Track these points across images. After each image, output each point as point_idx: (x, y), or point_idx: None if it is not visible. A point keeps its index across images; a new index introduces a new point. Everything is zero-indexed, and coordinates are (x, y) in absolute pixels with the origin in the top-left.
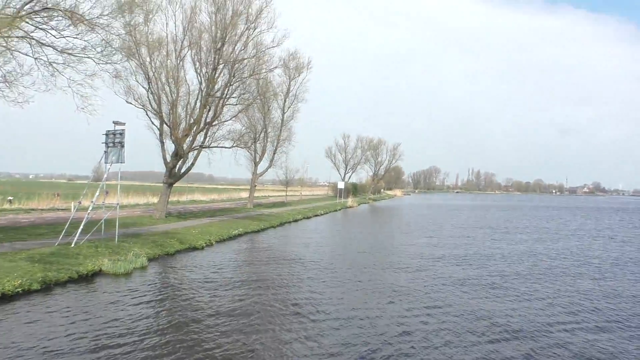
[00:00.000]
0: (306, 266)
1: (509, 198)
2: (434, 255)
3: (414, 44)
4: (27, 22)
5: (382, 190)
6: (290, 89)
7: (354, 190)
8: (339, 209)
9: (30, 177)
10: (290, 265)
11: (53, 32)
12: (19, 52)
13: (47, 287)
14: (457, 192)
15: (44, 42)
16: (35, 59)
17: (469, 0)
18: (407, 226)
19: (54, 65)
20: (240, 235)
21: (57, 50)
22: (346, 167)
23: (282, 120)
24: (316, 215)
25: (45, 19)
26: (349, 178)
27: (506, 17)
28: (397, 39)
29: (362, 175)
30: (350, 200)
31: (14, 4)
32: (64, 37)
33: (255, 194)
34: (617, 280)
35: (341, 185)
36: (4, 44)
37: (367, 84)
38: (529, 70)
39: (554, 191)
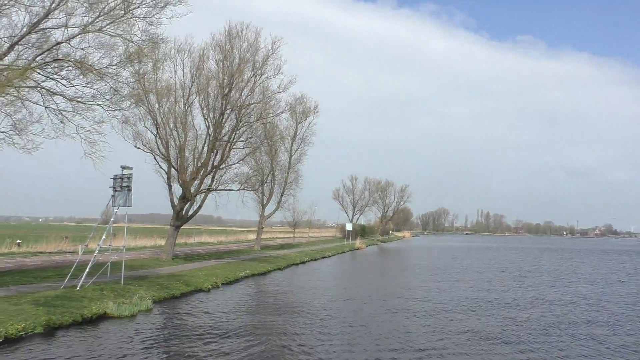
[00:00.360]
0: (313, 310)
1: (519, 240)
2: (443, 300)
3: (419, 88)
4: (39, 73)
5: (390, 231)
6: (297, 133)
7: (362, 231)
8: (347, 251)
9: (40, 220)
10: (297, 309)
11: (63, 81)
12: (30, 101)
13: (50, 331)
14: (466, 233)
15: (54, 91)
16: (46, 107)
17: (473, 46)
18: (416, 269)
19: (63, 113)
20: (246, 277)
21: (66, 98)
22: (354, 209)
23: (290, 163)
24: (324, 257)
25: (56, 69)
26: (357, 219)
27: (511, 62)
28: (403, 83)
29: (371, 216)
30: (358, 242)
31: (26, 55)
32: (73, 86)
33: (263, 236)
34: (635, 325)
35: (349, 226)
36: (16, 94)
37: (375, 127)
38: (535, 113)
39: (564, 233)
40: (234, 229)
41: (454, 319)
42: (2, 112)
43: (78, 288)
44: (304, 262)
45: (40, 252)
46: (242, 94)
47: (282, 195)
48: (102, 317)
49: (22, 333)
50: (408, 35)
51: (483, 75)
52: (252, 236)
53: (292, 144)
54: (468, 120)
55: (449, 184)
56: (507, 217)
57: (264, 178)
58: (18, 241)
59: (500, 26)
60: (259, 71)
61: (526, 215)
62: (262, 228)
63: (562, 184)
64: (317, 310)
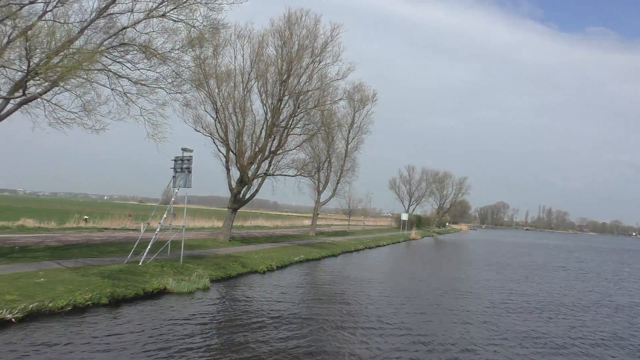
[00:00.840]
0: (370, 300)
1: (584, 238)
2: (503, 297)
3: (479, 79)
4: (106, 57)
5: (447, 224)
6: (355, 121)
7: (418, 222)
8: (402, 241)
9: (105, 198)
10: (353, 298)
11: (128, 64)
12: (98, 83)
13: (115, 302)
14: (526, 229)
15: (120, 74)
16: (112, 89)
17: (540, 37)
18: (475, 263)
19: (129, 95)
20: (301, 262)
21: (131, 81)
22: (410, 199)
23: (346, 150)
24: (378, 246)
25: (122, 53)
26: (413, 210)
27: (580, 54)
28: (463, 74)
29: (427, 208)
30: (413, 233)
31: (94, 39)
32: (138, 69)
33: (318, 222)
34: None
35: (405, 217)
36: (85, 76)
37: (432, 118)
38: (603, 107)
39: (633, 233)
40: (289, 214)
41: (516, 319)
42: (72, 93)
43: (140, 264)
44: (358, 250)
45: (105, 228)
46: (300, 80)
47: (338, 183)
48: (162, 292)
49: (89, 303)
50: (470, 24)
51: (549, 68)
52: (307, 222)
53: (349, 132)
54: (531, 113)
55: (509, 178)
56: (571, 215)
57: (321, 165)
58: (85, 217)
59: (571, 17)
60: (318, 58)
61: (591, 213)
62: (318, 214)
63: (632, 181)
64: (373, 302)
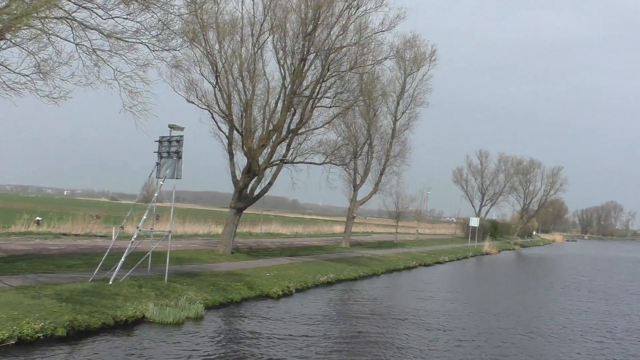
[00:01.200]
0: (429, 340)
1: None
2: (618, 340)
3: (577, 30)
4: (69, 0)
5: (534, 232)
6: (406, 88)
7: (493, 230)
8: (470, 256)
9: (65, 192)
10: (406, 335)
11: (99, 11)
12: (58, 36)
13: (75, 334)
14: None
15: (87, 24)
16: (77, 44)
17: None
18: (573, 289)
19: (99, 53)
20: (330, 283)
21: (102, 34)
22: (483, 198)
23: (394, 129)
24: (438, 262)
25: None
26: (487, 213)
27: None
28: (552, 23)
29: (506, 210)
30: (487, 245)
31: None
32: (112, 17)
33: (355, 229)
34: None
35: (475, 222)
36: (40, 26)
37: (510, 87)
38: None
39: None
40: (314, 217)
41: None
42: (23, 49)
43: (110, 282)
44: (409, 268)
45: (64, 234)
46: (331, 32)
47: (381, 174)
48: (140, 321)
49: (40, 335)
50: None
51: None
52: (339, 228)
53: (397, 103)
54: None
55: (623, 169)
56: None
57: (358, 149)
58: (37, 218)
59: None
60: (355, 2)
61: None
62: (353, 218)
63: None
64: (436, 341)
